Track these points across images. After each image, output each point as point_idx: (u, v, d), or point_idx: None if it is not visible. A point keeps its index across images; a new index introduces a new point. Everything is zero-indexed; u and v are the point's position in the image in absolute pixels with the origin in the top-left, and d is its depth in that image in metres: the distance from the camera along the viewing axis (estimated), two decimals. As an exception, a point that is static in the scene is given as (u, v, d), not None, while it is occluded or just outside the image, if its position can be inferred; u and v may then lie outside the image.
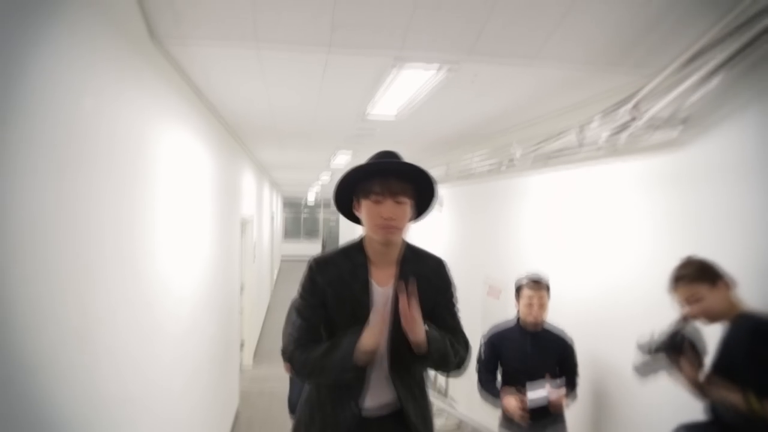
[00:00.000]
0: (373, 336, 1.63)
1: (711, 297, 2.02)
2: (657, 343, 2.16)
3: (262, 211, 10.00)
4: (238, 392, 6.01)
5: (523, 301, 3.11)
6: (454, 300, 1.90)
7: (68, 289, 1.48)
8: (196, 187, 3.33)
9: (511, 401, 2.99)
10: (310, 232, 23.86)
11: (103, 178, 1.73)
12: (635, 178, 2.99)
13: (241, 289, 6.65)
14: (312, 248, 21.01)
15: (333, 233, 22.60)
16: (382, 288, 1.77)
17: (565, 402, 3.01)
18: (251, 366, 7.57)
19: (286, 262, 19.60)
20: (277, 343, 5.67)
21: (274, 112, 4.06)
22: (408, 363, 1.78)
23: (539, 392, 2.95)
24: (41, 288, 1.32)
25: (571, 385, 3.10)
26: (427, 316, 1.72)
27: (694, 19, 2.15)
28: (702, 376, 2.03)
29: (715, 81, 2.23)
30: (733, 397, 1.88)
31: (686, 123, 2.52)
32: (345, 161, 7.27)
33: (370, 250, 1.78)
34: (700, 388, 2.01)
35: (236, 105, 3.83)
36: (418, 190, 1.73)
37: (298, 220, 24.31)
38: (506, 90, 3.17)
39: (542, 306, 3.09)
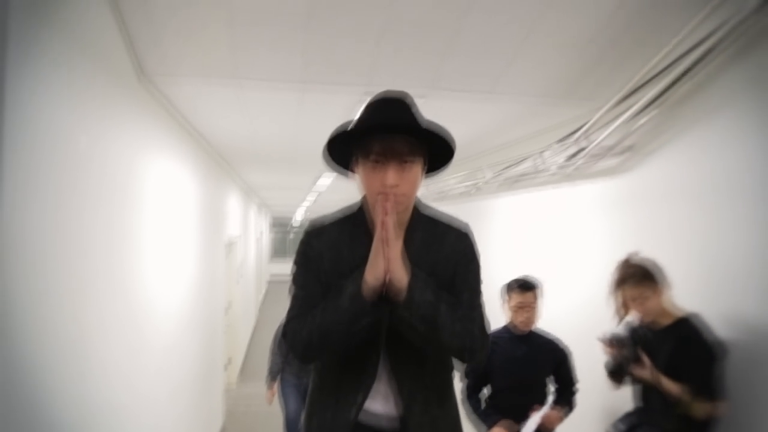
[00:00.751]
0: (377, 263, 1.30)
1: (654, 297, 2.21)
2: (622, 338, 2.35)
3: (248, 232, 10.17)
4: (222, 410, 6.14)
5: (512, 304, 2.94)
6: (475, 275, 1.52)
7: (65, 305, 1.67)
8: (181, 211, 3.53)
9: None
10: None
11: (95, 206, 1.93)
12: (593, 199, 3.23)
13: (227, 307, 6.81)
14: (300, 268, 21.08)
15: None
16: None
17: (560, 418, 2.82)
18: (237, 384, 7.68)
19: (274, 282, 19.68)
20: (263, 362, 5.76)
21: (257, 139, 4.30)
22: (416, 355, 1.45)
23: (530, 427, 2.71)
24: (41, 303, 1.51)
25: (567, 395, 2.93)
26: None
27: (630, 61, 2.41)
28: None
29: (647, 115, 2.49)
30: (676, 390, 2.09)
31: (631, 150, 2.77)
32: (328, 183, 7.49)
33: (373, 215, 1.42)
34: (655, 379, 2.18)
35: (221, 133, 4.05)
36: (429, 141, 1.38)
37: (285, 240, 24.47)
38: (470, 120, 3.41)
39: (531, 309, 2.91)
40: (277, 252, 23.54)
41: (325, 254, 1.45)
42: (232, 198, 7.08)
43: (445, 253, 1.47)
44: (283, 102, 3.01)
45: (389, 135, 1.32)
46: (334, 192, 9.29)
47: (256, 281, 12.85)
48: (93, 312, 1.91)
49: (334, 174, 6.19)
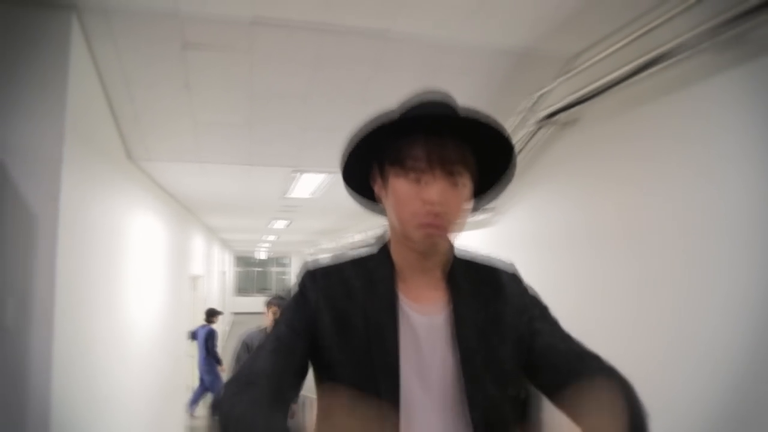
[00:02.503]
0: None
1: None
2: None
3: (212, 269, 10.95)
4: (184, 424, 6.88)
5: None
6: (551, 313, 1.13)
7: (78, 322, 2.54)
8: (154, 252, 4.42)
9: None
10: (263, 288, 24.36)
11: (97, 257, 2.82)
12: (479, 243, 4.22)
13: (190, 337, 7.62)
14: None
15: (285, 287, 23.11)
16: (419, 315, 1.03)
17: None
18: (199, 408, 8.38)
19: (239, 315, 19.96)
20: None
21: (217, 196, 5.27)
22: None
23: None
24: (63, 320, 2.36)
25: None
26: (518, 362, 1.05)
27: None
28: None
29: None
30: None
31: (494, 209, 3.80)
32: (283, 225, 8.42)
33: (399, 256, 1.07)
34: None
35: (188, 192, 5.01)
36: (480, 159, 1.00)
37: (250, 276, 24.94)
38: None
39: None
40: (242, 288, 23.91)
41: (327, 304, 1.03)
42: (196, 239, 7.94)
43: (508, 305, 1.08)
44: (236, 173, 3.98)
45: (438, 137, 0.96)
46: (291, 233, 10.21)
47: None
48: (95, 328, 2.80)
49: (287, 220, 7.17)
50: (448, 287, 1.06)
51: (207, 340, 7.77)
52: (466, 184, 0.98)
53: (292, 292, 1.08)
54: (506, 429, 1.03)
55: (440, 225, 0.96)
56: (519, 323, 1.06)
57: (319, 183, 4.23)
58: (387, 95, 2.91)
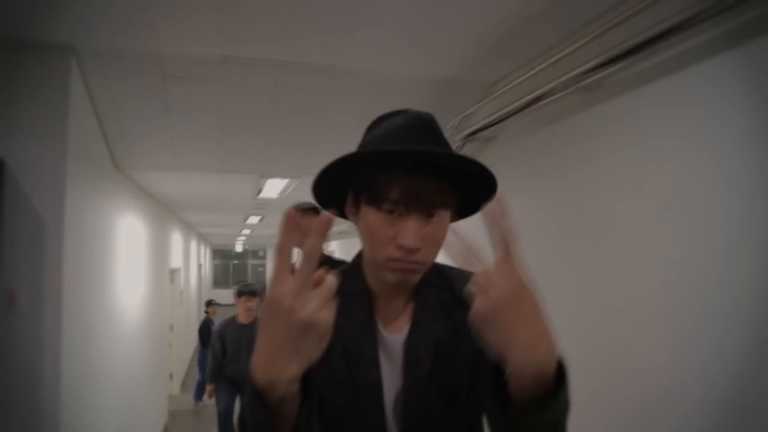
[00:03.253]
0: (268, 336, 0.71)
1: None
2: None
3: (189, 262, 11.39)
4: (166, 410, 7.38)
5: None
6: None
7: (81, 311, 3.03)
8: (137, 248, 4.90)
9: None
10: (240, 280, 24.57)
11: (91, 253, 3.30)
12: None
13: (171, 327, 8.08)
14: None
15: (260, 279, 23.60)
16: (390, 334, 1.03)
17: None
18: (179, 393, 8.86)
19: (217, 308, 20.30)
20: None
21: (194, 196, 5.77)
22: None
23: None
24: (70, 309, 2.86)
25: None
26: (471, 376, 1.00)
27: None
28: None
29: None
30: None
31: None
32: (256, 220, 8.90)
33: (374, 280, 1.03)
34: None
35: (167, 194, 5.51)
36: (459, 183, 0.95)
37: (227, 269, 25.24)
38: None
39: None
40: (219, 280, 24.15)
41: None
42: (175, 234, 8.39)
43: (467, 313, 0.91)
44: (210, 177, 4.48)
45: (414, 172, 0.90)
46: (265, 227, 10.69)
47: (198, 306, 13.90)
48: (92, 316, 3.29)
49: (259, 216, 7.70)
50: (414, 304, 1.03)
51: (201, 331, 8.12)
52: (443, 218, 0.93)
53: None
54: None
55: (413, 267, 0.92)
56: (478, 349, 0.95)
57: (284, 186, 4.75)
58: (337, 116, 3.46)
